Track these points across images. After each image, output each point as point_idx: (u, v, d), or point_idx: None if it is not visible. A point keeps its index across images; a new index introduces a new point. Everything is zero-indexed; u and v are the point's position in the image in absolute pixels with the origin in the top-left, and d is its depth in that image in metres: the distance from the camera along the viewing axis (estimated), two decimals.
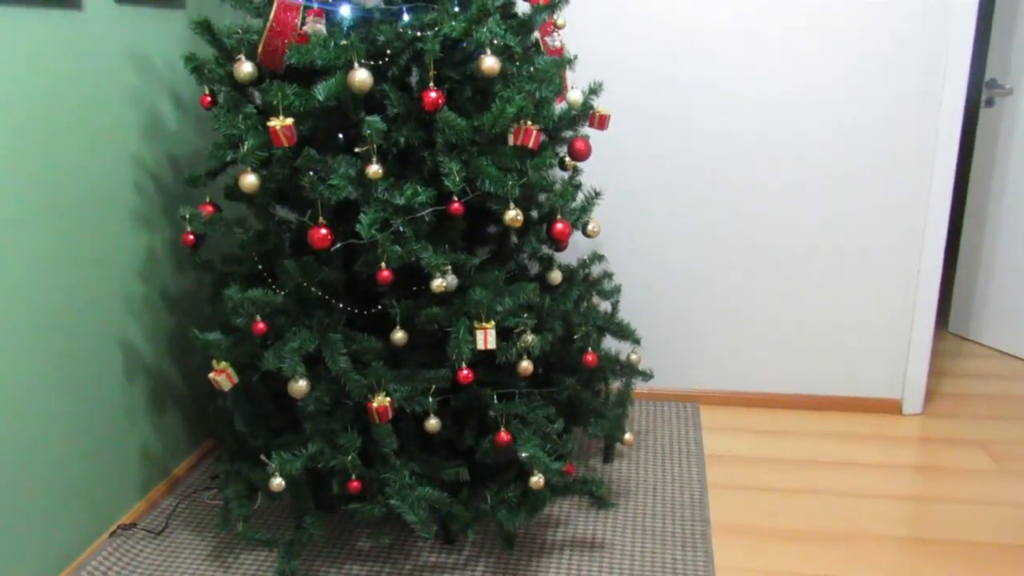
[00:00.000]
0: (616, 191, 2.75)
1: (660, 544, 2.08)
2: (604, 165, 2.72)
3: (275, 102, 1.66)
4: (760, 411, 2.85)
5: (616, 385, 2.30)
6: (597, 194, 2.12)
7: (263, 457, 1.81)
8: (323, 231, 1.70)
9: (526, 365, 1.82)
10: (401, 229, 1.74)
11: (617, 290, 2.43)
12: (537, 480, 1.82)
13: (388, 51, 1.76)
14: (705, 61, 2.58)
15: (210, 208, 1.98)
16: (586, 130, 2.27)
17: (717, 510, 2.25)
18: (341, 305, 1.89)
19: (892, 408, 2.80)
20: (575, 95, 1.98)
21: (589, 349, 2.02)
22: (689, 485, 2.35)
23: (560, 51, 2.08)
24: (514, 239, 2.15)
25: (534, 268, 2.23)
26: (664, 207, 2.73)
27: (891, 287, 2.69)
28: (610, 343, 2.87)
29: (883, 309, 2.72)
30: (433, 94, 1.70)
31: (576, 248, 2.80)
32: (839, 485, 2.36)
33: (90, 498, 2.05)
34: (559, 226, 1.90)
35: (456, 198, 1.74)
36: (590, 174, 2.74)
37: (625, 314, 2.86)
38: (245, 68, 1.80)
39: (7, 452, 1.76)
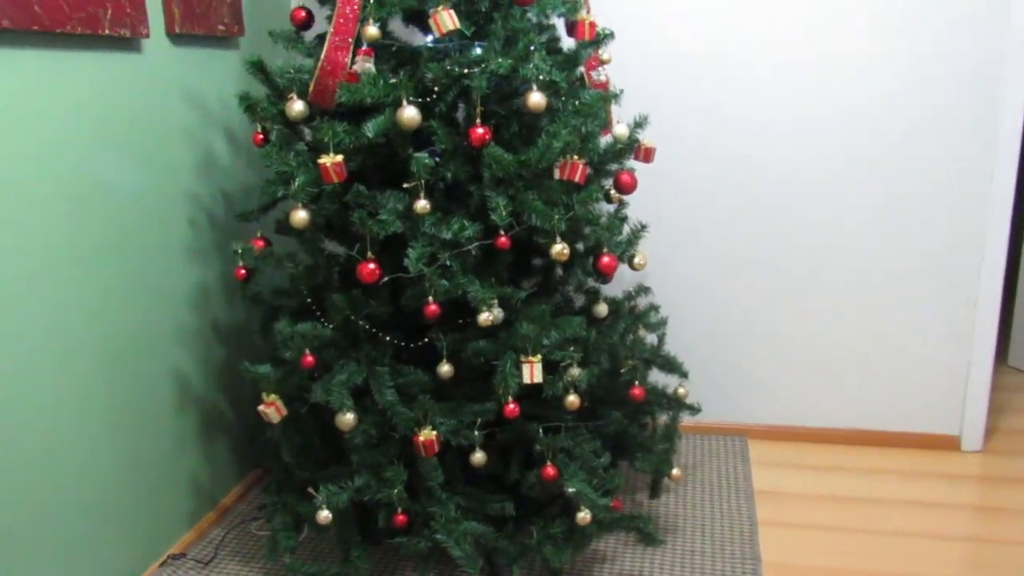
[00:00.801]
0: (662, 222, 2.73)
1: None
2: (650, 197, 2.72)
3: (325, 139, 1.70)
4: (811, 446, 2.78)
5: (663, 419, 2.27)
6: (643, 227, 2.11)
7: (310, 490, 1.82)
8: (371, 266, 1.72)
9: (573, 399, 1.81)
10: (448, 263, 1.75)
11: (663, 322, 2.41)
12: (584, 516, 1.80)
13: (436, 88, 1.79)
14: (750, 89, 2.57)
15: (261, 243, 2.02)
16: (632, 163, 2.27)
17: (768, 549, 2.19)
18: (388, 338, 1.91)
19: (950, 445, 2.71)
20: (621, 129, 1.99)
21: (636, 383, 2.00)
22: (739, 522, 2.30)
23: (605, 85, 2.09)
24: (559, 272, 2.15)
25: (579, 301, 2.23)
26: (711, 237, 2.71)
27: (948, 320, 2.62)
28: (657, 376, 2.83)
29: (940, 342, 2.64)
30: (480, 130, 1.72)
31: (621, 280, 2.79)
32: (895, 524, 2.29)
33: (142, 527, 2.08)
34: (605, 259, 1.89)
35: (503, 232, 1.75)
36: (636, 206, 2.74)
37: (672, 346, 2.84)
38: (297, 106, 1.85)
39: (63, 481, 1.80)
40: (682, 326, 2.82)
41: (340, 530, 1.94)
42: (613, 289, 2.78)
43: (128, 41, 1.97)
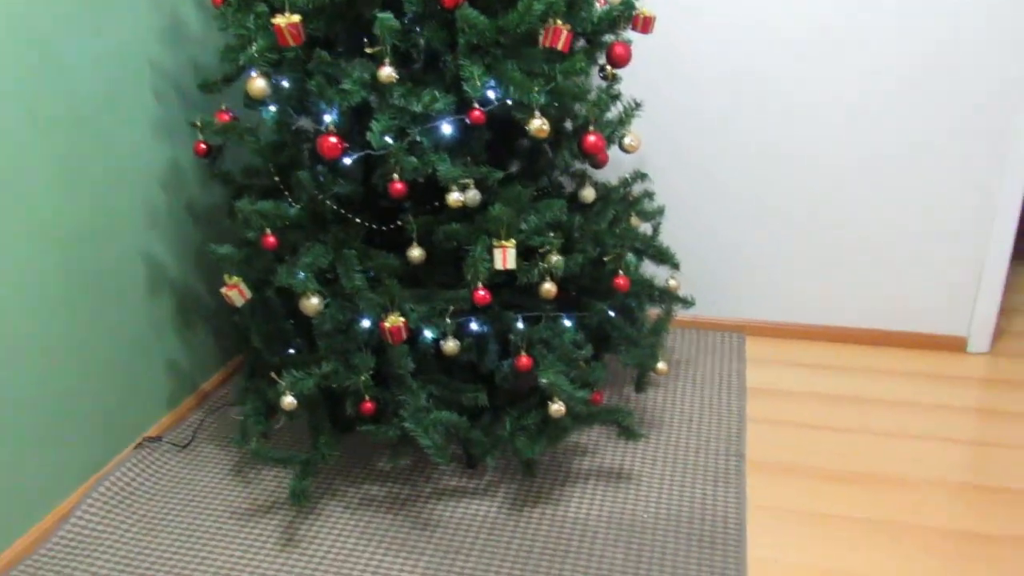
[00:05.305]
0: (663, 103, 2.55)
1: (691, 478, 1.98)
2: (651, 74, 2.52)
3: None
4: (811, 344, 2.69)
5: (657, 312, 2.17)
6: (637, 105, 1.95)
7: (274, 375, 1.76)
8: (332, 139, 1.59)
9: (548, 287, 1.71)
10: (418, 138, 1.62)
11: (660, 211, 2.29)
12: (558, 408, 1.72)
13: None
14: None
15: (226, 116, 1.89)
16: (630, 34, 2.09)
17: (755, 446, 2.13)
18: (358, 220, 1.80)
19: (956, 346, 2.60)
20: None
21: (620, 272, 1.89)
22: (727, 418, 2.24)
23: None
24: (549, 154, 2.01)
25: (570, 186, 2.10)
26: (717, 121, 2.52)
27: (963, 216, 2.46)
28: (649, 268, 2.72)
29: (953, 239, 2.49)
30: None
31: (619, 166, 2.64)
32: (892, 425, 2.21)
33: (116, 411, 2.04)
34: (591, 139, 1.75)
35: (477, 105, 1.61)
36: (634, 85, 2.55)
37: (670, 239, 2.71)
38: None
39: (34, 365, 1.75)
40: (681, 216, 2.67)
41: (311, 417, 1.89)
42: (609, 174, 2.64)
43: None
